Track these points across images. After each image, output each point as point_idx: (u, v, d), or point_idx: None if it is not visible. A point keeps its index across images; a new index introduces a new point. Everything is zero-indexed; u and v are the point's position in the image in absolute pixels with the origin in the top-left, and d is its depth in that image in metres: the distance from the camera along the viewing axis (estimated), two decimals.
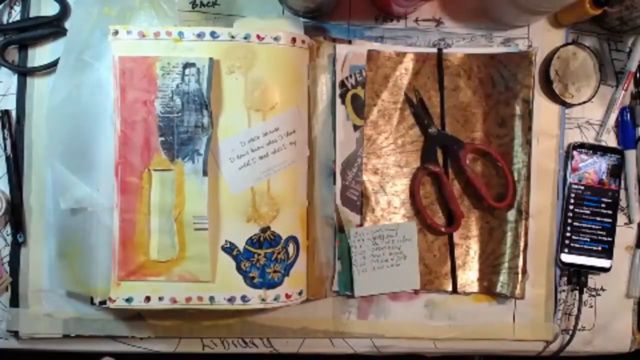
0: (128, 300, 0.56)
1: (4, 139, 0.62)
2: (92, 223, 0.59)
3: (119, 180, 0.56)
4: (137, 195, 0.56)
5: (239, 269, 0.57)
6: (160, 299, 0.56)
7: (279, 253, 0.58)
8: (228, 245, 0.57)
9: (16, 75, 0.63)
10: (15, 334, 0.62)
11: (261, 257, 0.57)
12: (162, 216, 0.57)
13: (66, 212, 0.59)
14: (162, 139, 0.56)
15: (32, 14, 0.63)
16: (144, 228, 0.56)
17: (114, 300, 0.56)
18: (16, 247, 0.62)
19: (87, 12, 0.59)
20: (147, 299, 0.56)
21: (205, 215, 0.56)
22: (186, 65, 0.56)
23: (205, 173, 0.56)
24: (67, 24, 0.63)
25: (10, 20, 0.64)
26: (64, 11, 0.63)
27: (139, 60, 0.56)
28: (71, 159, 0.58)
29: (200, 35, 0.57)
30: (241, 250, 0.57)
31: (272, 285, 0.57)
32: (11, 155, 0.62)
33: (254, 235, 0.57)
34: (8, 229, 0.63)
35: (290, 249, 0.59)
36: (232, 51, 0.57)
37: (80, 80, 0.59)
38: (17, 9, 0.64)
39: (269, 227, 0.58)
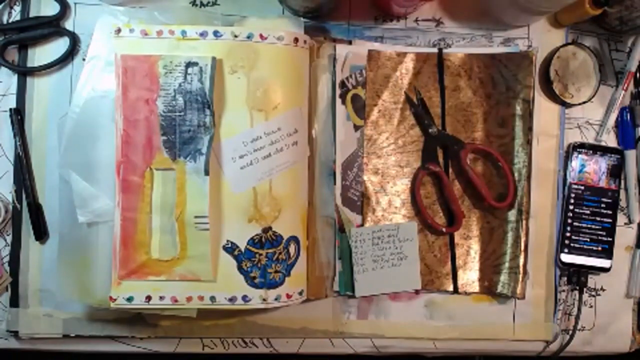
0: (129, 299, 0.56)
1: (14, 136, 0.62)
2: (105, 234, 0.58)
3: (121, 179, 0.56)
4: (138, 194, 0.56)
5: (240, 268, 0.57)
6: (161, 298, 0.56)
7: (280, 253, 0.58)
8: (229, 245, 0.57)
9: (16, 75, 0.63)
10: (15, 334, 0.62)
11: (262, 257, 0.57)
12: (163, 215, 0.56)
13: (78, 223, 0.58)
14: (164, 138, 0.56)
15: (32, 14, 0.63)
16: (146, 227, 0.56)
17: (115, 300, 0.56)
18: (16, 247, 0.62)
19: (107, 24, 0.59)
20: (148, 298, 0.56)
21: (206, 215, 0.56)
22: (189, 64, 0.56)
23: (207, 172, 0.56)
24: (67, 25, 0.63)
25: (10, 20, 0.64)
26: (64, 11, 0.63)
27: (141, 59, 0.56)
28: (89, 171, 0.58)
29: (203, 34, 0.57)
30: (242, 250, 0.57)
31: (273, 285, 0.57)
32: (22, 155, 0.61)
33: (256, 235, 0.57)
34: (8, 228, 0.63)
35: (292, 249, 0.59)
36: (235, 50, 0.57)
37: (99, 91, 0.59)
38: (17, 9, 0.64)
39: (270, 227, 0.58)
